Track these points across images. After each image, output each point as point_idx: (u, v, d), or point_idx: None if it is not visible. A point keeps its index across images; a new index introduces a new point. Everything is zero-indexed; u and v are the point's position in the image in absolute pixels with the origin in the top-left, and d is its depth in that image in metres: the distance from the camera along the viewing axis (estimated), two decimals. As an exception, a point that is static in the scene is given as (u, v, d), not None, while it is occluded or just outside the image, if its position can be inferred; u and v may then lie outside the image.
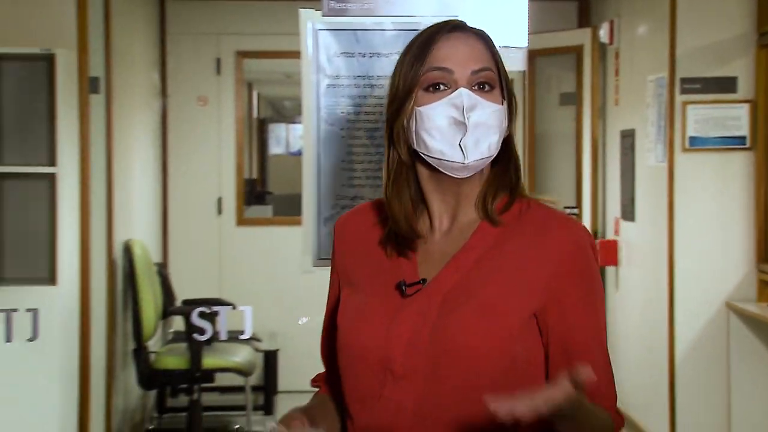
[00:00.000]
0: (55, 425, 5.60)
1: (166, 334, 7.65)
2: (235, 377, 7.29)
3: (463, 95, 2.07)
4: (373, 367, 2.10)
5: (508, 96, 2.16)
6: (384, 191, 2.18)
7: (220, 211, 8.85)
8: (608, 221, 8.16)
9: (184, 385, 7.07)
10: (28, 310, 5.40)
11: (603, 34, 7.96)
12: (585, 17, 8.63)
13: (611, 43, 7.89)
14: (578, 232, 2.13)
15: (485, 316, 2.05)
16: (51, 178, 5.70)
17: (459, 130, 2.07)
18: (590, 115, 8.17)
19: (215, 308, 6.21)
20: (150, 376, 7.00)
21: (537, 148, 8.77)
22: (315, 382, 2.41)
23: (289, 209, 9.40)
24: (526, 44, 3.31)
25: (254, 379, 7.55)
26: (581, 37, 8.22)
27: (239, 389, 7.57)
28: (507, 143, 2.17)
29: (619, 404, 6.42)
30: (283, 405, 8.39)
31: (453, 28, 2.14)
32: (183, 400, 7.37)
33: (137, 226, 7.56)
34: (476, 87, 2.10)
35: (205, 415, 6.98)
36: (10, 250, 5.77)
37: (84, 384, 5.99)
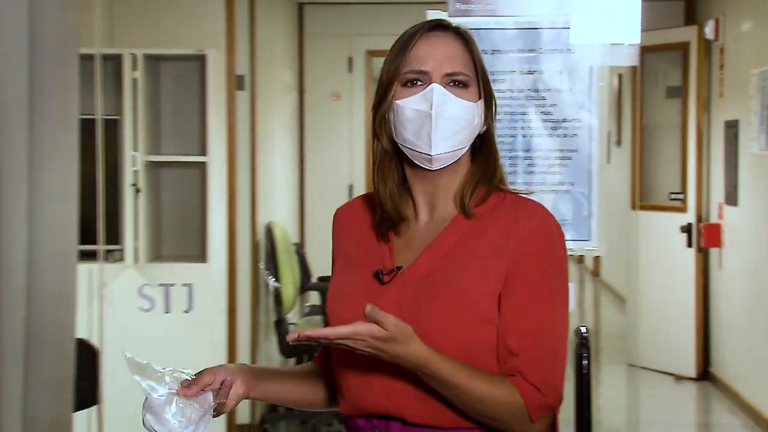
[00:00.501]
0: (205, 388, 5.72)
1: (303, 307, 7.74)
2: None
3: (435, 91, 2.05)
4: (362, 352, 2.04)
5: (485, 93, 2.13)
6: (372, 178, 2.17)
7: (351, 197, 8.92)
8: (712, 206, 8.06)
9: (321, 354, 7.10)
10: (184, 284, 5.51)
11: (708, 30, 7.87)
12: (691, 15, 8.52)
13: (716, 39, 7.80)
14: (544, 222, 2.07)
15: (456, 302, 2.02)
16: (202, 167, 5.84)
17: (427, 123, 2.04)
18: (695, 107, 8.08)
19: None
20: (290, 346, 7.09)
21: (645, 139, 8.71)
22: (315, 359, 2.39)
23: (413, 195, 9.43)
24: (638, 41, 3.30)
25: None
26: (688, 34, 8.12)
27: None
28: (486, 138, 2.15)
29: (723, 376, 6.33)
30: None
31: (433, 27, 2.12)
32: (319, 367, 7.44)
33: (277, 209, 7.66)
34: (451, 84, 2.08)
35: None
36: (167, 231, 5.93)
37: (231, 351, 6.11)
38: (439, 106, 2.04)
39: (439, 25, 2.12)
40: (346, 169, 8.94)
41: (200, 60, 5.80)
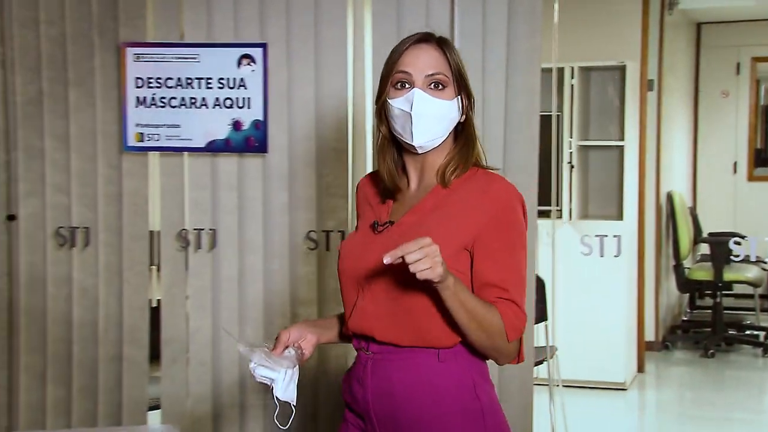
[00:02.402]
0: (622, 313, 5.67)
1: (695, 255, 7.44)
2: (747, 288, 6.97)
3: (415, 94, 1.94)
4: (352, 283, 1.99)
5: (465, 91, 2.00)
6: (374, 158, 2.08)
7: (735, 171, 8.43)
8: None
9: (709, 291, 6.86)
10: (614, 236, 5.51)
11: None
12: None
13: None
14: (507, 192, 1.94)
15: None
16: (620, 149, 5.76)
17: (409, 121, 1.95)
18: None
19: (746, 238, 6.02)
20: (685, 284, 6.89)
21: None
22: None
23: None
24: None
25: (762, 289, 7.17)
26: None
27: (750, 296, 7.24)
28: (466, 125, 2.02)
29: None
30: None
31: (419, 39, 1.99)
32: (708, 301, 7.14)
33: (676, 181, 7.39)
34: (431, 86, 1.96)
35: (724, 312, 6.74)
36: (593, 196, 5.92)
37: (640, 286, 6.01)
38: (418, 107, 1.94)
39: (423, 39, 2.00)
40: (731, 149, 8.43)
41: (620, 69, 5.72)
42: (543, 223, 4.78)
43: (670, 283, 7.01)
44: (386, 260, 1.75)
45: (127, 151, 3.26)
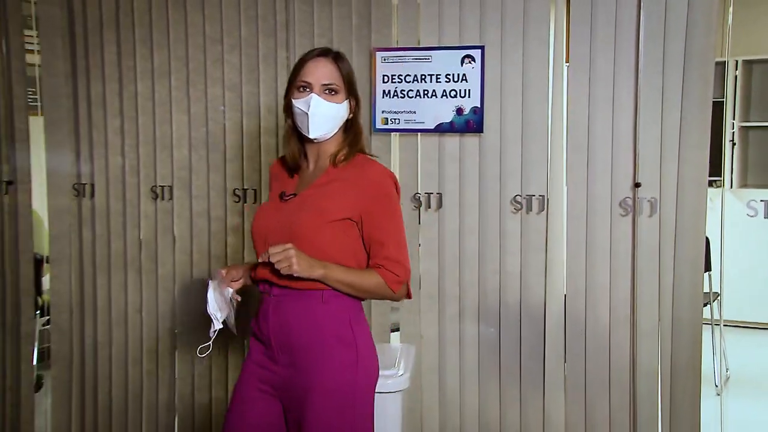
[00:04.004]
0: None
1: None
2: None
3: (312, 98, 2.06)
4: (261, 240, 2.11)
5: (353, 95, 2.12)
6: (283, 145, 2.18)
7: None
8: None
9: None
10: None
11: None
12: None
13: None
14: (381, 174, 2.07)
15: (312, 214, 2.04)
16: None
17: (305, 119, 2.07)
18: None
19: None
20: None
21: None
22: None
23: None
24: None
25: None
26: None
27: None
28: (353, 121, 2.13)
29: None
30: None
31: (319, 54, 2.10)
32: None
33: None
34: (326, 91, 2.08)
35: None
36: (752, 169, 5.58)
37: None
38: (314, 109, 2.06)
39: (322, 54, 2.10)
40: None
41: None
42: (710, 191, 4.56)
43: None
44: (261, 259, 1.97)
45: (375, 132, 3.36)
